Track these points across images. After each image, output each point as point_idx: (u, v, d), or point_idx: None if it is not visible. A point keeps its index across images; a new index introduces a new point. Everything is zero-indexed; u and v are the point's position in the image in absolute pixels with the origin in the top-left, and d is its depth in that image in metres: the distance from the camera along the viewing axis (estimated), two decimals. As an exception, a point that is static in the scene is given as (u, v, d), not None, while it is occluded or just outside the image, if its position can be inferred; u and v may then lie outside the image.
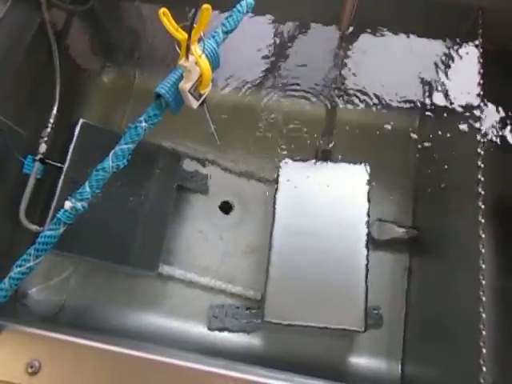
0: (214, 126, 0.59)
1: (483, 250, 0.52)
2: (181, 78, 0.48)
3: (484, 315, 0.49)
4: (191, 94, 0.49)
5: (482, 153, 0.57)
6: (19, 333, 0.47)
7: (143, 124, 0.47)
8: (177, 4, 0.76)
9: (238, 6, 0.54)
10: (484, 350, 0.47)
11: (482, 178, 0.56)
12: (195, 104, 0.51)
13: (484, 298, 0.49)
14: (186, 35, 0.44)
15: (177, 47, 0.47)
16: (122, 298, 0.81)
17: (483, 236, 0.52)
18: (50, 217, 0.68)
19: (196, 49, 0.47)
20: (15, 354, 0.45)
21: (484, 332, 0.48)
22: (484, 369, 0.46)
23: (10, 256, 0.72)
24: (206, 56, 0.48)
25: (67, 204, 0.45)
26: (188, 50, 0.45)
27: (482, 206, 0.54)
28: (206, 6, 0.43)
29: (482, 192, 0.55)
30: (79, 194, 0.46)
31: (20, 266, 0.45)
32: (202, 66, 0.47)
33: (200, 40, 0.47)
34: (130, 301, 0.81)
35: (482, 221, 0.53)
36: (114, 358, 0.46)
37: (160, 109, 0.48)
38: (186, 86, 0.47)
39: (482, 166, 0.56)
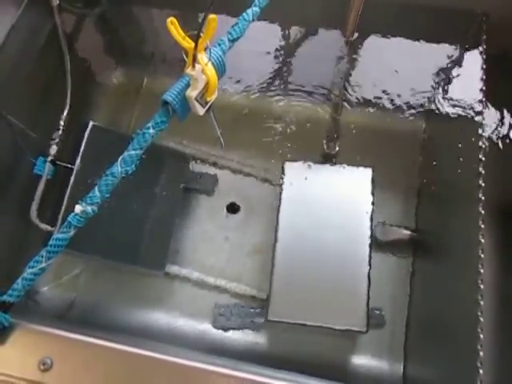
0: (220, 131, 0.60)
1: (482, 255, 0.52)
2: (187, 85, 0.49)
3: (482, 319, 0.49)
4: (197, 101, 0.50)
5: (484, 159, 0.57)
6: (32, 331, 0.48)
7: (151, 131, 0.48)
8: (185, 9, 0.77)
9: (244, 14, 0.55)
10: (481, 354, 0.48)
11: (483, 184, 0.56)
12: (201, 111, 0.52)
13: (482, 302, 0.50)
14: (193, 44, 0.45)
15: (184, 55, 0.48)
16: (129, 296, 0.83)
17: (483, 241, 0.53)
18: (61, 217, 0.70)
19: (202, 57, 0.47)
20: (28, 351, 0.47)
21: (482, 336, 0.49)
22: (481, 371, 0.47)
23: (22, 253, 0.75)
24: (212, 64, 0.49)
25: (78, 208, 0.47)
26: (194, 59, 0.46)
27: (483, 212, 0.54)
28: (212, 16, 0.44)
29: (483, 198, 0.55)
30: (89, 199, 0.47)
31: (32, 268, 0.46)
32: (209, 74, 0.48)
33: (206, 48, 0.48)
34: (137, 298, 0.83)
35: (482, 226, 0.54)
36: (122, 356, 0.47)
37: (167, 116, 0.49)
38: (192, 93, 0.48)
39: (483, 171, 0.57)
